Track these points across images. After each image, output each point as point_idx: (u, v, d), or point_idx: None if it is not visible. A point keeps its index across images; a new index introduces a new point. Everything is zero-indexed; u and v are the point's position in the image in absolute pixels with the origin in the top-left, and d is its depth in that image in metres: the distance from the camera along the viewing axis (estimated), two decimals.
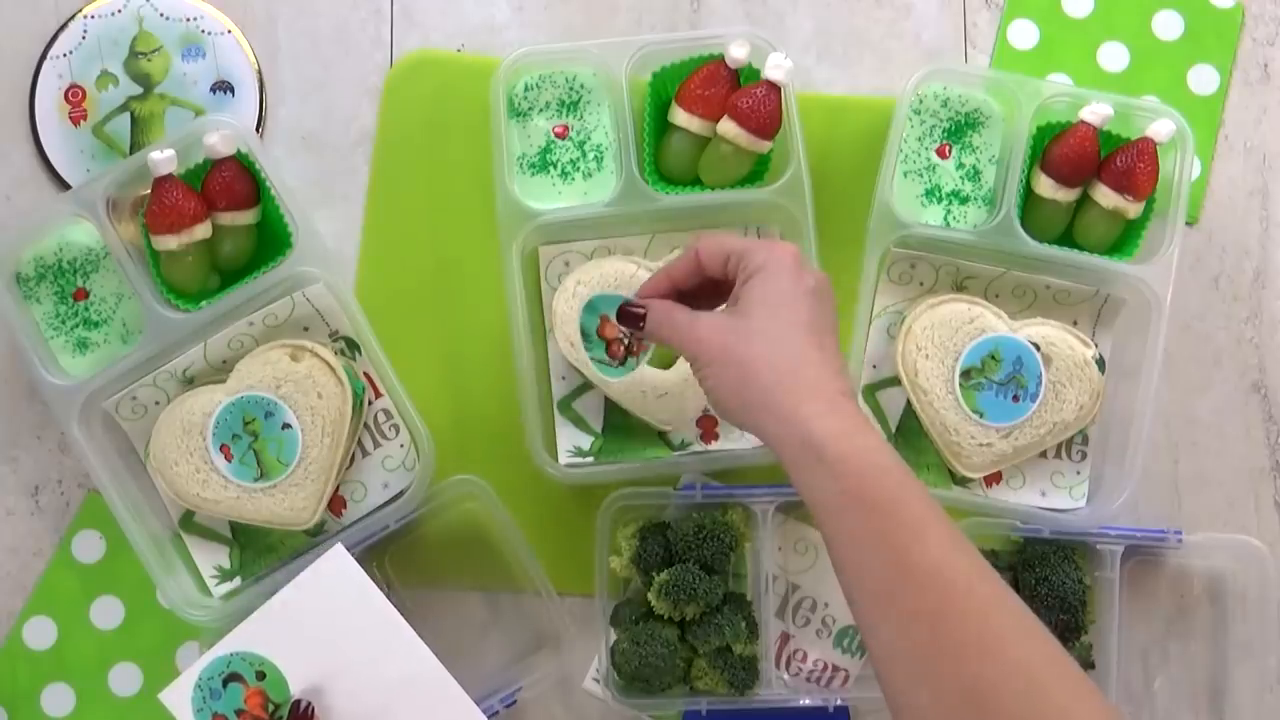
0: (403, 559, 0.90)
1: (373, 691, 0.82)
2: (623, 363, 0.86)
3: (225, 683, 0.82)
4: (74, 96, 0.91)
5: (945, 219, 0.91)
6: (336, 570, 0.83)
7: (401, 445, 0.89)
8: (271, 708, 0.82)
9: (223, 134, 0.85)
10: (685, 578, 0.86)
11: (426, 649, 0.82)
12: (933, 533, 0.67)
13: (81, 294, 0.89)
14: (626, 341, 0.86)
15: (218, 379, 0.87)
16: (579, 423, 0.90)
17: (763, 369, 0.71)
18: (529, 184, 0.90)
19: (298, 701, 0.82)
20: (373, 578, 0.88)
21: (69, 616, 0.90)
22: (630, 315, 0.77)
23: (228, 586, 0.88)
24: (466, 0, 0.94)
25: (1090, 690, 0.65)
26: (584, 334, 0.86)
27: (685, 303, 0.77)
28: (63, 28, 0.92)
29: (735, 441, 0.89)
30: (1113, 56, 0.94)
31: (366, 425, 0.89)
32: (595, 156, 0.91)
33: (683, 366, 0.87)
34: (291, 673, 0.82)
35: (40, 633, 0.90)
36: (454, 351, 0.91)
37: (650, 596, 0.86)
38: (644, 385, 0.87)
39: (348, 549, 0.85)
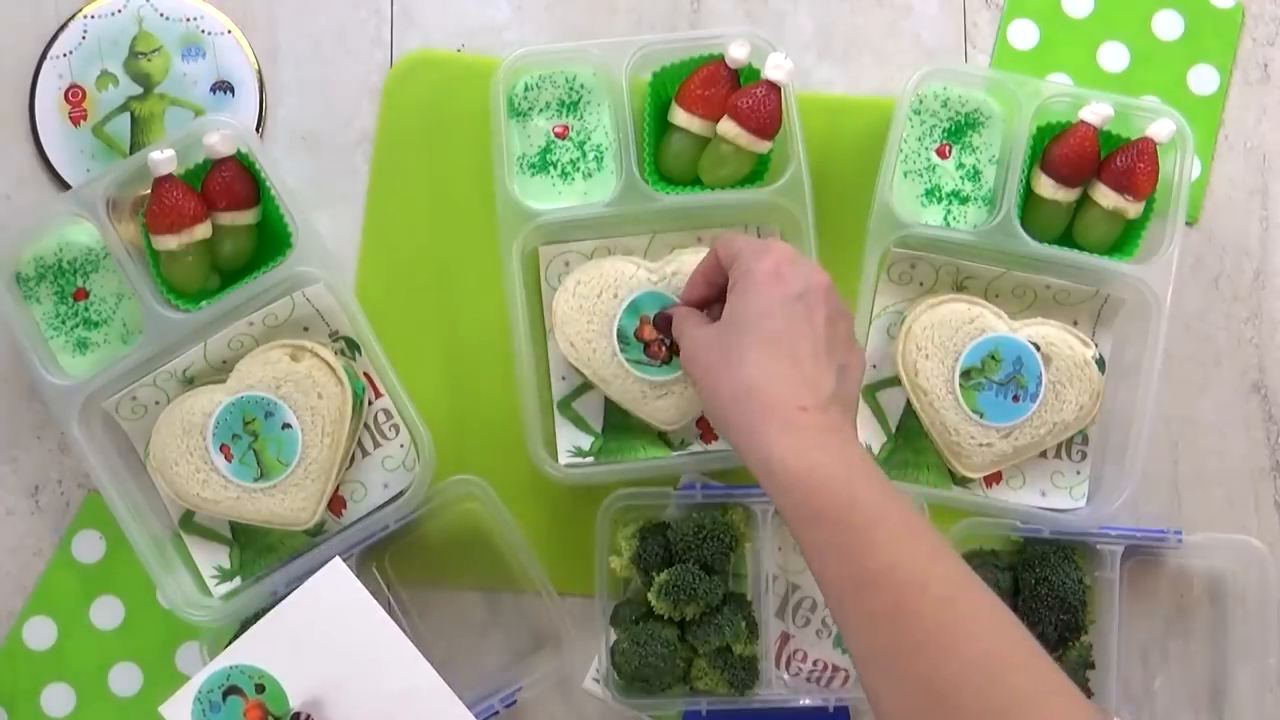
0: (403, 559, 0.90)
1: (372, 703, 0.82)
2: (666, 362, 0.86)
3: (225, 695, 0.82)
4: (74, 96, 0.91)
5: (945, 219, 0.91)
6: (335, 583, 0.83)
7: (401, 445, 0.89)
8: None
9: (223, 134, 0.85)
10: (685, 578, 0.86)
11: (425, 662, 0.82)
12: (882, 534, 0.68)
13: (81, 294, 0.89)
14: (668, 342, 0.86)
15: (218, 379, 0.87)
16: (579, 423, 0.90)
17: (729, 388, 0.73)
18: (529, 184, 0.90)
19: (297, 714, 0.81)
20: (373, 578, 0.89)
21: (69, 616, 0.90)
22: (665, 320, 0.84)
23: (228, 586, 0.88)
24: (466, 0, 0.94)
25: (1055, 679, 0.66)
26: (623, 336, 0.86)
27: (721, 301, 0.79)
28: (63, 28, 0.92)
29: None
30: (1113, 56, 0.94)
31: (366, 425, 0.89)
32: (595, 156, 0.91)
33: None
34: (291, 685, 0.82)
35: (40, 633, 0.90)
36: (454, 351, 0.91)
37: (650, 596, 0.86)
38: (644, 385, 0.87)
39: (348, 549, 0.85)
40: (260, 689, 0.82)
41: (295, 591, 0.83)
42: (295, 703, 0.82)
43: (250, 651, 0.82)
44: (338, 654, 0.82)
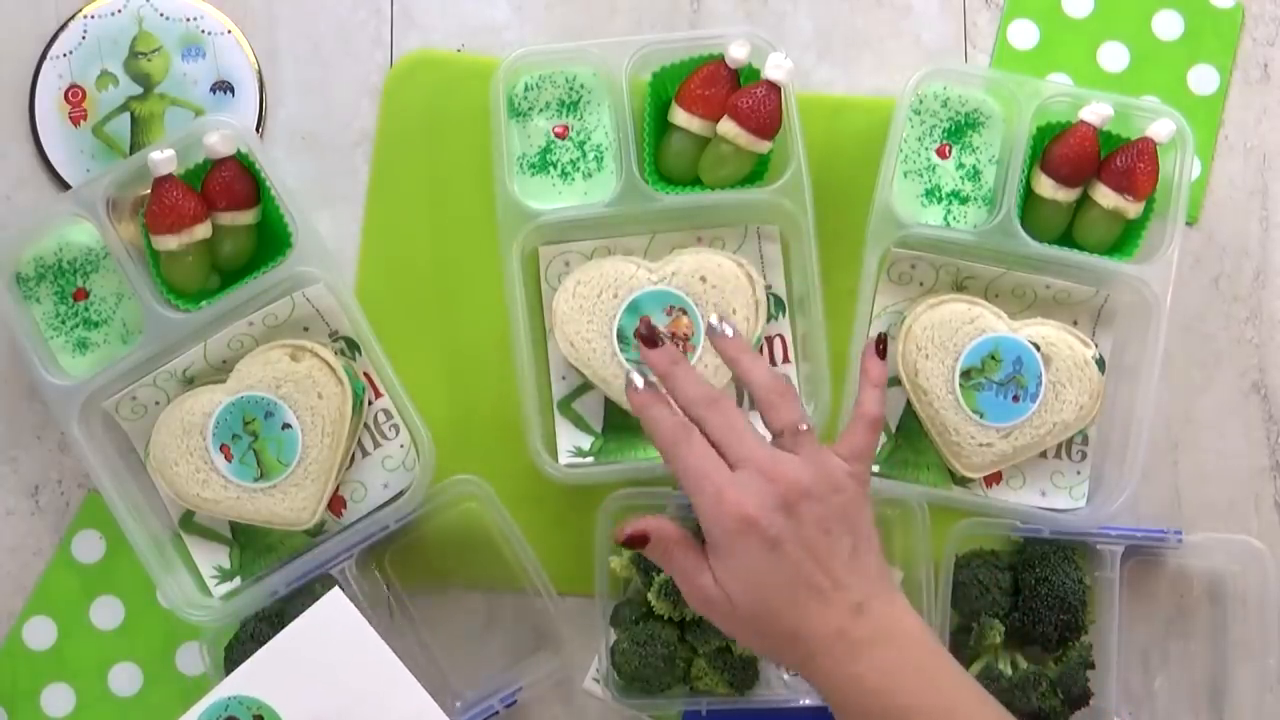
0: (403, 559, 0.90)
1: None
2: None
3: None
4: (74, 96, 0.91)
5: (945, 219, 0.91)
6: (335, 615, 0.83)
7: (401, 445, 0.89)
8: None
9: (223, 134, 0.85)
10: None
11: (425, 693, 0.82)
12: None
13: (81, 294, 0.89)
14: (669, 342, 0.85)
15: (218, 379, 0.87)
16: (579, 423, 0.90)
17: (760, 642, 0.73)
18: (529, 184, 0.90)
19: None
20: (373, 578, 0.89)
21: (69, 616, 0.90)
22: (649, 333, 0.76)
23: (228, 586, 0.88)
24: (466, 0, 0.94)
25: None
26: (622, 336, 0.86)
27: None
28: (63, 28, 0.92)
29: None
30: (1113, 56, 0.94)
31: (366, 425, 0.89)
32: (595, 156, 0.91)
33: None
34: (289, 717, 0.81)
35: (40, 633, 0.90)
36: (454, 351, 0.91)
37: (650, 596, 0.86)
38: None
39: (348, 549, 0.85)
40: None
41: (294, 622, 0.83)
42: None
43: (249, 682, 0.82)
44: (337, 685, 0.82)
